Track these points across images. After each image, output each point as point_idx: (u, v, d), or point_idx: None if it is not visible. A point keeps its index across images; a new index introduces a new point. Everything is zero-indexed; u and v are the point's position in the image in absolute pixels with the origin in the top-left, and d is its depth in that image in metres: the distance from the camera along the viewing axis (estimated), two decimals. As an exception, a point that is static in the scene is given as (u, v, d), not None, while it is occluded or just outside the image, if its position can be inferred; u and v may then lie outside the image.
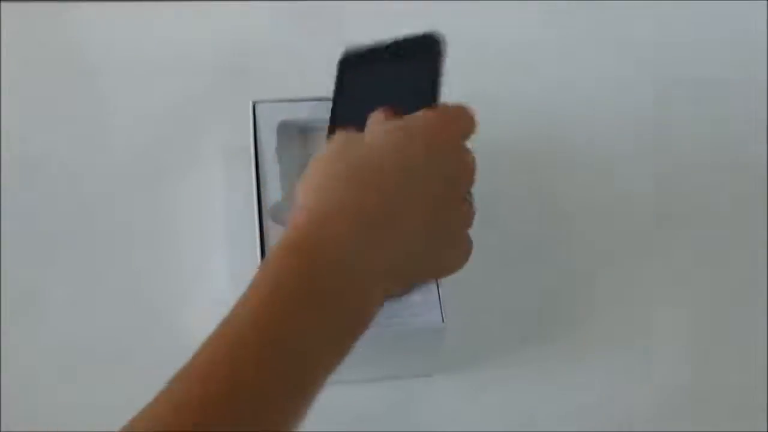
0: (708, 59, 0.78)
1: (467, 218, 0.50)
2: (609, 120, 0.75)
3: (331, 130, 0.53)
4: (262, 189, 0.57)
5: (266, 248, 0.55)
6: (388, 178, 0.45)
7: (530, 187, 0.71)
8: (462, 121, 0.50)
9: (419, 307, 0.52)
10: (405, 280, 0.48)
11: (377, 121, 0.49)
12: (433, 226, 0.47)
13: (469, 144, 0.52)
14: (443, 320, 0.53)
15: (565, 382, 0.62)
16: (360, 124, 0.50)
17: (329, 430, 0.51)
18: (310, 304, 0.41)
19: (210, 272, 0.65)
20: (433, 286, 0.53)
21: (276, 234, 0.55)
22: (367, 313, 0.44)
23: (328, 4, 0.79)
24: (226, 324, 0.41)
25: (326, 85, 0.58)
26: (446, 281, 0.54)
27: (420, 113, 0.49)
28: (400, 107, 0.50)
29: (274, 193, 0.57)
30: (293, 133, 0.61)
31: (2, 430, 0.58)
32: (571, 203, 0.70)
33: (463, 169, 0.49)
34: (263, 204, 0.57)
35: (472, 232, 0.52)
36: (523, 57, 0.78)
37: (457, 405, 0.61)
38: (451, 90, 0.54)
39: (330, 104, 0.57)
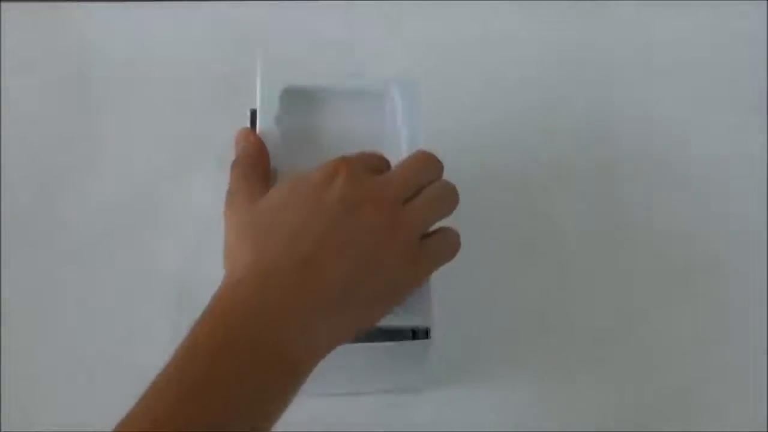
0: (708, 59, 0.79)
1: (408, 231, 0.48)
2: (601, 129, 0.75)
3: None
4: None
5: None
6: (299, 230, 0.45)
7: (519, 202, 0.70)
8: (346, 166, 0.48)
9: (409, 316, 0.51)
10: (341, 326, 0.46)
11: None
12: (361, 266, 0.46)
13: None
14: (429, 335, 0.52)
15: (556, 398, 0.62)
16: None
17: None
18: (222, 362, 0.42)
19: (210, 273, 0.65)
20: (426, 297, 0.52)
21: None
22: (290, 364, 0.44)
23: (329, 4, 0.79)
24: (155, 386, 0.42)
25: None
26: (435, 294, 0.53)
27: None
28: None
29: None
30: (298, 99, 0.60)
31: (2, 430, 0.58)
32: (564, 216, 0.70)
33: (374, 194, 0.47)
34: None
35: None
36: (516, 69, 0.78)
37: (445, 420, 0.61)
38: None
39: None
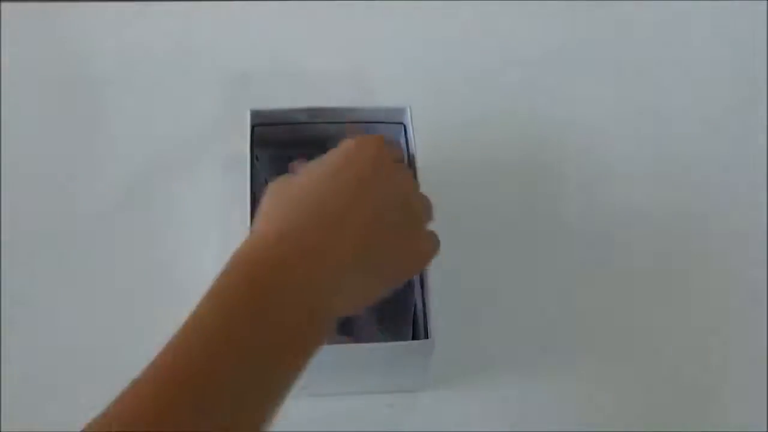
0: (708, 59, 0.79)
1: (418, 218, 0.51)
2: (607, 128, 0.75)
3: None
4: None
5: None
6: (326, 196, 0.48)
7: (520, 202, 0.70)
8: (375, 141, 0.51)
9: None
10: (360, 290, 0.48)
11: (301, 165, 0.52)
12: (382, 234, 0.48)
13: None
14: (430, 336, 0.53)
15: (557, 397, 0.62)
16: None
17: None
18: (252, 315, 0.43)
19: (208, 276, 0.65)
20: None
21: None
22: (314, 327, 0.45)
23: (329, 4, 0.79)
24: (179, 333, 0.42)
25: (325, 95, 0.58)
26: (436, 296, 0.54)
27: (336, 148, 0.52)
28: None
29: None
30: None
31: (2, 430, 0.58)
32: (565, 216, 0.70)
33: (397, 177, 0.51)
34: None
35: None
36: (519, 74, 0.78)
37: (444, 421, 0.61)
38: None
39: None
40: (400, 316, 0.59)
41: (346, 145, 0.50)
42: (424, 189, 0.58)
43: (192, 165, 0.71)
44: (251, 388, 0.42)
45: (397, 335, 0.58)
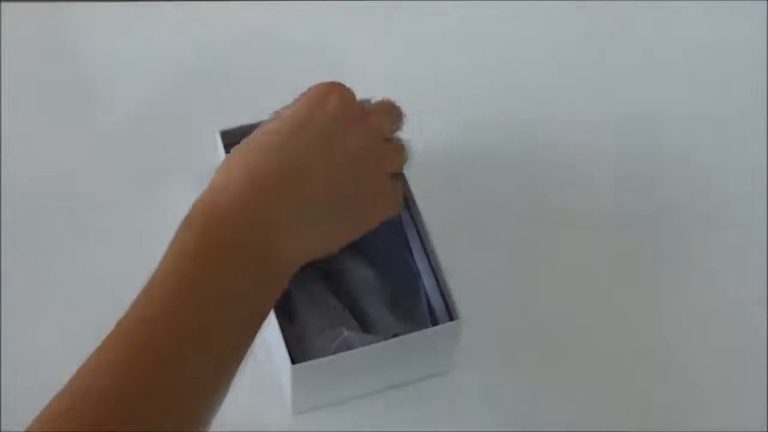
0: (708, 59, 0.79)
1: (385, 164, 0.51)
2: (602, 128, 0.75)
3: None
4: None
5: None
6: (287, 140, 0.48)
7: (521, 201, 0.70)
8: (338, 92, 0.51)
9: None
10: (322, 235, 0.49)
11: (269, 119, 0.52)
12: (344, 179, 0.48)
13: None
14: (458, 316, 0.54)
15: (556, 397, 0.62)
16: None
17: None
18: (213, 261, 0.43)
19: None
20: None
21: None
22: (275, 265, 0.45)
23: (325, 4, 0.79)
24: (141, 294, 0.43)
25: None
26: (458, 279, 0.55)
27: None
28: None
29: None
30: None
31: (2, 430, 0.58)
32: (566, 216, 0.70)
33: (358, 130, 0.50)
34: None
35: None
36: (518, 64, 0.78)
37: (472, 403, 0.62)
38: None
39: None
40: (411, 303, 0.59)
41: (311, 95, 0.50)
42: (421, 187, 0.59)
43: (192, 166, 0.70)
44: (214, 340, 0.42)
45: (413, 322, 0.58)
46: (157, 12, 0.79)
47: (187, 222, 0.45)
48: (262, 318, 0.45)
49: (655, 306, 0.66)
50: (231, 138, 0.58)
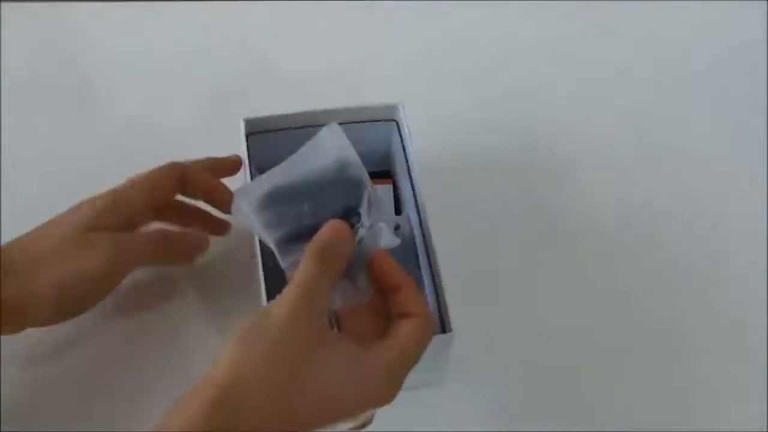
0: (708, 59, 0.79)
1: (384, 373, 0.50)
2: (606, 128, 0.75)
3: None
4: None
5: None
6: (295, 349, 0.47)
7: (522, 202, 0.70)
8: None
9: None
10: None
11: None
12: (345, 383, 0.48)
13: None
14: (450, 329, 0.54)
15: (556, 397, 0.62)
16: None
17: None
18: None
19: (209, 278, 0.65)
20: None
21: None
22: None
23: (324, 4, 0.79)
24: None
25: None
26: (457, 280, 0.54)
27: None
28: None
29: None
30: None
31: (2, 430, 0.58)
32: (567, 216, 0.70)
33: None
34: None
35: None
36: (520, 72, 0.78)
37: (466, 414, 0.61)
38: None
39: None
40: None
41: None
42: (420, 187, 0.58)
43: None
44: None
45: None
46: (156, 13, 0.79)
47: (180, 407, 0.45)
48: None
49: (655, 306, 0.66)
50: (253, 127, 0.59)
